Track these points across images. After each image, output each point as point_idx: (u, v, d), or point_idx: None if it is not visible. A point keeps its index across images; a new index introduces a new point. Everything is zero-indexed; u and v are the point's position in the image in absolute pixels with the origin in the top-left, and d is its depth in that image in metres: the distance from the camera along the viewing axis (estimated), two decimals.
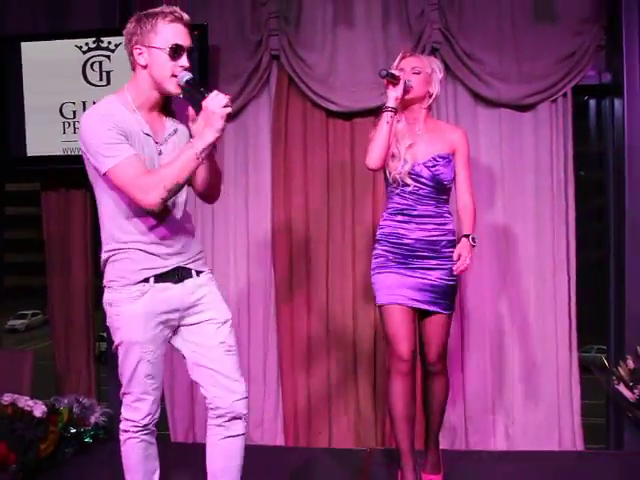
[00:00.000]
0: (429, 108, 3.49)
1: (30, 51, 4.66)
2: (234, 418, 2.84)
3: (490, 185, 4.59)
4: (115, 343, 2.76)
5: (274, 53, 4.68)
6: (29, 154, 4.68)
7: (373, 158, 3.38)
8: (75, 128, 4.61)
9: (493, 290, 4.60)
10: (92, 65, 4.61)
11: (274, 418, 4.78)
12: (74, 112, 4.63)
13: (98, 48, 4.60)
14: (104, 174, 2.57)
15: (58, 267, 5.00)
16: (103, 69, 4.60)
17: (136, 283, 2.68)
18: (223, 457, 2.88)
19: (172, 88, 2.63)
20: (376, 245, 3.49)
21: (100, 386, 5.05)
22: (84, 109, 4.58)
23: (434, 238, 3.42)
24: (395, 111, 3.36)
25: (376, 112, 4.05)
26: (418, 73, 3.40)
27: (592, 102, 4.79)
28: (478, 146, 4.58)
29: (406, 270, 3.42)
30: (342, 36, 4.60)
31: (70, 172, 4.61)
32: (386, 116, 3.37)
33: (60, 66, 4.59)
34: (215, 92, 2.52)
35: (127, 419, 2.83)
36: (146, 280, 2.67)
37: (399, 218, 3.45)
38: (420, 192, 3.42)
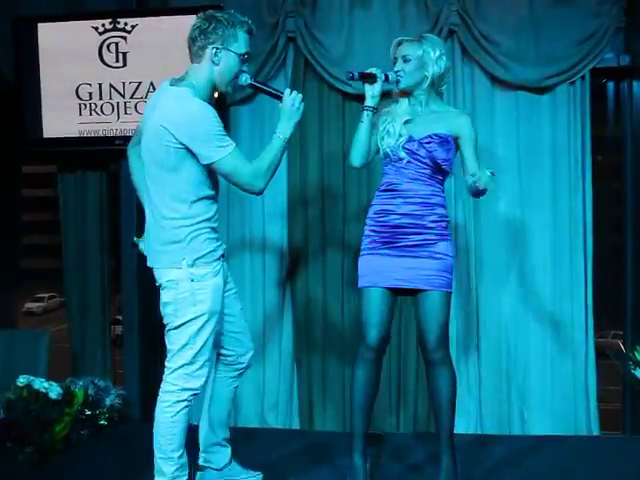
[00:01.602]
0: (437, 91, 3.44)
1: (46, 32, 4.66)
2: (247, 368, 3.37)
3: (507, 168, 4.57)
4: (190, 317, 2.98)
5: (290, 35, 4.68)
6: (45, 136, 4.68)
7: (353, 156, 3.43)
8: (91, 110, 4.62)
9: (509, 274, 4.58)
10: (108, 46, 4.61)
11: (289, 401, 4.79)
12: (90, 94, 4.64)
13: (115, 29, 4.61)
14: (214, 161, 2.88)
15: (74, 249, 5.03)
16: (119, 50, 4.61)
17: (217, 259, 3.03)
18: (232, 402, 3.41)
19: (229, 88, 3.03)
20: (365, 225, 3.48)
21: (116, 369, 5.07)
22: (100, 91, 4.62)
23: (420, 212, 3.38)
24: (374, 109, 3.36)
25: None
26: (408, 61, 3.37)
27: (610, 85, 4.73)
28: (494, 128, 4.58)
29: (392, 250, 3.38)
30: (359, 18, 4.58)
31: (86, 154, 4.74)
32: (362, 115, 3.38)
33: (76, 47, 4.60)
34: (288, 90, 3.00)
35: (187, 389, 3.04)
36: (219, 258, 3.04)
37: (388, 194, 3.44)
38: (413, 168, 3.40)
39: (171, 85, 3.02)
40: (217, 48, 2.96)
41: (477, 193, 3.25)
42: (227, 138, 2.93)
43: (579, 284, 4.52)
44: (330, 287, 4.67)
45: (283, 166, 4.62)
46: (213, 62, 2.98)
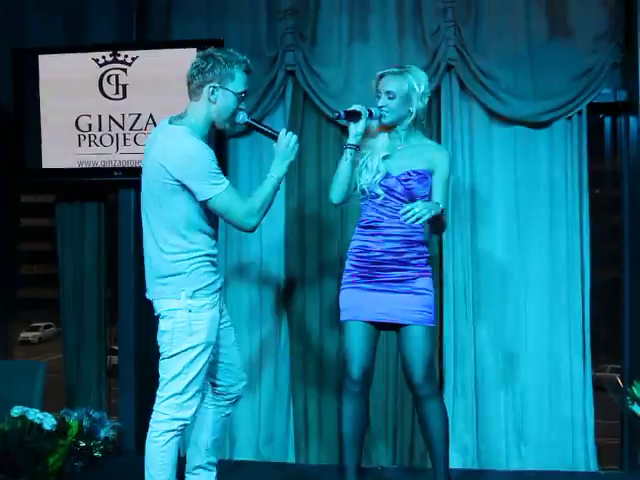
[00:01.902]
0: (419, 124, 3.43)
1: (47, 64, 4.67)
2: (238, 398, 3.40)
3: (504, 202, 4.56)
4: (185, 347, 3.02)
5: (289, 69, 4.68)
6: (44, 166, 4.69)
7: (333, 193, 3.42)
8: (90, 141, 4.63)
9: (506, 307, 4.57)
10: (109, 78, 4.62)
11: (285, 434, 4.75)
12: (90, 125, 4.65)
13: (115, 61, 4.62)
14: (208, 199, 2.95)
15: (71, 279, 5.01)
16: (120, 82, 4.61)
17: (215, 292, 3.09)
18: (220, 430, 3.43)
19: (228, 125, 3.10)
20: (346, 259, 3.48)
21: (111, 400, 5.03)
22: (99, 122, 4.63)
23: (400, 250, 3.37)
24: (357, 147, 3.35)
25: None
26: (392, 97, 3.34)
27: (607, 120, 4.74)
28: (492, 162, 4.58)
29: (371, 284, 3.38)
30: (357, 52, 4.60)
31: (85, 184, 4.73)
32: (346, 153, 3.37)
33: (77, 79, 4.61)
34: (284, 130, 3.07)
35: (177, 418, 3.07)
36: (217, 290, 3.11)
37: (368, 231, 3.41)
38: (392, 205, 3.37)
39: (170, 123, 3.08)
40: (214, 87, 3.02)
41: (435, 229, 3.33)
42: (221, 176, 2.98)
43: (576, 317, 4.50)
44: (326, 319, 4.65)
45: (281, 198, 4.63)
46: (210, 100, 3.04)
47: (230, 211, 3.01)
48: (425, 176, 3.35)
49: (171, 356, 3.07)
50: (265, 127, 3.14)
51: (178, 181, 2.96)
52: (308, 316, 4.68)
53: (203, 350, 3.09)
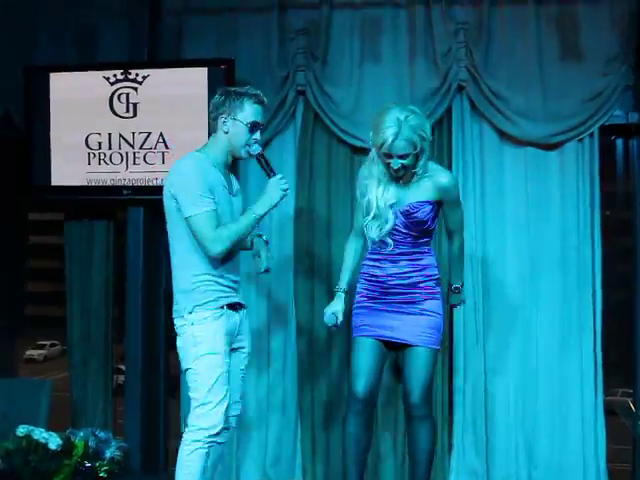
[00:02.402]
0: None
1: (58, 81, 4.68)
2: (225, 429, 3.30)
3: (515, 223, 4.55)
4: (194, 358, 3.15)
5: (300, 88, 4.67)
6: (53, 184, 4.69)
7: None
8: (100, 159, 4.64)
9: (516, 330, 4.55)
10: (119, 97, 4.63)
11: (292, 455, 4.74)
12: (99, 143, 4.65)
13: (126, 80, 4.62)
14: (187, 217, 3.12)
15: (78, 297, 5.01)
16: (130, 101, 4.62)
17: (220, 307, 3.19)
18: (217, 459, 3.36)
19: (243, 154, 3.26)
20: (357, 283, 3.53)
21: (117, 419, 5.01)
22: (109, 140, 4.63)
23: (407, 274, 3.41)
24: (347, 292, 3.52)
25: None
26: (406, 156, 3.29)
27: (619, 142, 4.77)
28: (503, 184, 4.57)
29: (382, 304, 3.43)
30: (368, 72, 4.61)
31: (94, 203, 4.75)
32: (337, 295, 3.54)
33: (87, 97, 4.62)
34: (280, 175, 3.21)
35: (202, 428, 3.17)
36: (222, 307, 3.19)
37: (375, 257, 3.47)
38: (398, 238, 3.42)
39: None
40: (225, 118, 3.22)
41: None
42: (205, 200, 3.12)
43: (588, 341, 4.48)
44: (338, 341, 4.63)
45: (290, 215, 4.64)
46: (223, 131, 3.24)
47: (200, 234, 3.14)
48: (431, 205, 3.37)
49: (186, 370, 3.22)
50: (270, 165, 3.28)
51: (175, 198, 3.16)
52: (315, 333, 4.65)
53: (211, 359, 3.18)
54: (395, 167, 3.27)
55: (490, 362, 4.54)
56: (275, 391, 4.77)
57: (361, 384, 3.38)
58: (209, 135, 3.38)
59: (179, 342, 3.26)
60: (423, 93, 4.52)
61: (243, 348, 3.40)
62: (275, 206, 3.22)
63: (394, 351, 3.53)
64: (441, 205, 3.43)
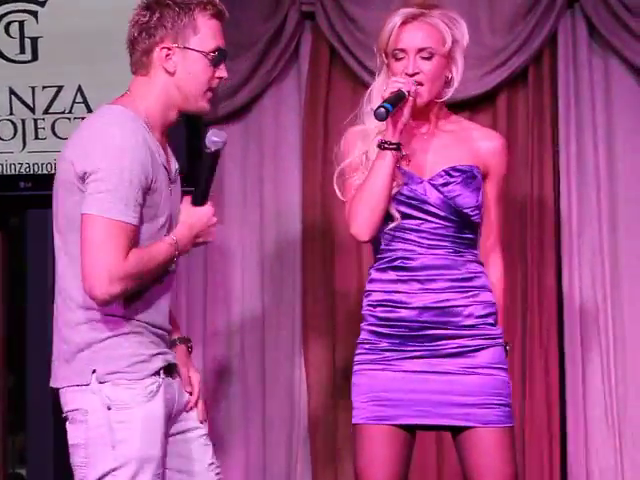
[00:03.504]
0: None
1: None
2: None
3: None
4: (109, 467, 2.55)
5: (306, 9, 4.10)
6: None
7: (365, 226, 2.92)
8: None
9: None
10: (8, 28, 3.94)
11: None
12: None
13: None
14: (83, 213, 2.60)
15: None
16: (26, 34, 3.95)
17: (151, 375, 2.63)
18: None
19: (204, 104, 2.72)
20: (362, 323, 3.01)
21: None
22: None
23: (453, 303, 2.92)
24: (399, 147, 2.86)
25: (471, 104, 3.74)
26: (429, 57, 2.87)
27: None
28: None
29: (406, 362, 2.92)
30: None
31: None
32: (386, 157, 2.85)
33: None
34: (209, 207, 2.71)
35: None
36: (156, 373, 2.65)
37: (392, 275, 2.95)
38: (425, 228, 2.93)
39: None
40: (168, 48, 2.64)
41: None
42: (131, 203, 2.55)
43: None
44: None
45: (295, 205, 4.25)
46: (166, 71, 2.66)
47: (92, 246, 2.56)
48: (474, 176, 2.90)
49: None
50: (210, 184, 2.71)
51: (82, 178, 2.60)
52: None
53: (138, 471, 2.57)
54: (410, 71, 2.83)
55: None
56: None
57: None
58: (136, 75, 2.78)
59: (77, 436, 2.57)
60: (509, 12, 3.94)
61: (194, 429, 2.76)
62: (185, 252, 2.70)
63: (425, 431, 3.10)
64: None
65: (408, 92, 2.79)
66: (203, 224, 2.68)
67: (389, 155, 2.80)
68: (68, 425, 2.58)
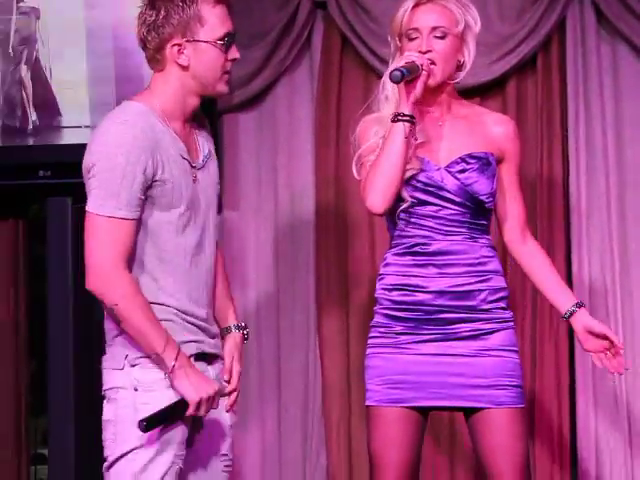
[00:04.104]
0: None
1: None
2: None
3: None
4: (132, 445, 2.61)
5: None
6: None
7: (380, 198, 2.94)
8: None
9: None
10: None
11: None
12: None
13: None
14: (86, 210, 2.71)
15: None
16: None
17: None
18: None
19: (223, 87, 2.76)
20: (376, 306, 3.05)
21: None
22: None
23: (468, 287, 2.97)
24: (413, 120, 2.90)
25: (480, 90, 3.79)
26: (442, 37, 2.92)
27: None
28: None
29: (420, 345, 2.97)
30: None
31: None
32: (401, 129, 2.88)
33: None
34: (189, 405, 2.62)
35: None
36: (188, 357, 2.71)
37: (409, 260, 3.00)
38: (442, 214, 2.97)
39: None
40: (179, 44, 2.69)
41: None
42: (124, 198, 2.59)
43: None
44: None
45: (309, 197, 4.27)
46: (180, 65, 2.71)
47: (93, 244, 2.60)
48: (489, 162, 2.95)
49: (114, 461, 2.64)
50: (165, 419, 2.64)
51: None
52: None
53: (159, 451, 2.63)
54: (424, 48, 2.87)
55: None
56: None
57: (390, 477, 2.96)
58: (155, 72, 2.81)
59: (109, 413, 2.66)
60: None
61: (215, 420, 2.80)
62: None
63: (439, 411, 3.15)
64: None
65: (421, 66, 2.82)
66: (207, 393, 2.64)
67: (402, 127, 2.84)
68: (104, 403, 2.68)
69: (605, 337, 2.92)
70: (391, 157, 2.88)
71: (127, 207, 2.56)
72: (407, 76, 2.77)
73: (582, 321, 2.94)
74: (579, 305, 2.95)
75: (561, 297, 3.01)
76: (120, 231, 2.56)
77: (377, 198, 2.89)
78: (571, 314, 2.96)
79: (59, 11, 4.02)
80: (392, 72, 2.78)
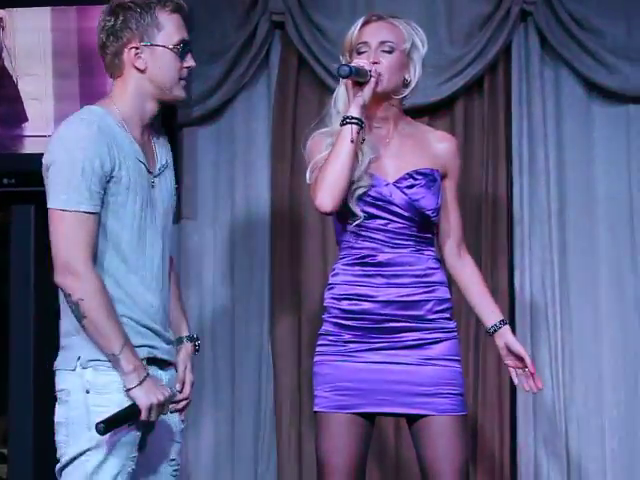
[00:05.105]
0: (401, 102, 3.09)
1: None
2: None
3: (614, 216, 4.11)
4: (84, 447, 2.61)
5: (277, 18, 4.20)
6: None
7: (328, 196, 2.97)
8: None
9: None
10: None
11: None
12: None
13: None
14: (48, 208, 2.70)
15: None
16: None
17: None
18: None
19: (180, 92, 2.80)
20: (325, 315, 3.08)
21: None
22: None
23: (415, 297, 3.01)
24: (361, 124, 2.95)
25: (429, 110, 3.92)
26: (390, 51, 2.99)
27: None
28: (593, 159, 4.11)
29: (368, 353, 3.01)
30: None
31: None
32: (349, 131, 2.94)
33: None
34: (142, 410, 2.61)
35: None
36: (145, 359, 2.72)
37: (358, 270, 3.04)
38: (390, 228, 3.02)
39: None
40: (136, 47, 2.76)
41: None
42: (85, 191, 2.61)
43: None
44: None
45: (264, 210, 4.35)
46: (137, 69, 2.78)
47: (58, 240, 2.62)
48: (434, 179, 3.02)
49: (67, 463, 2.63)
50: (120, 421, 2.66)
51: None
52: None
53: (110, 453, 2.63)
54: (372, 59, 2.93)
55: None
56: None
57: None
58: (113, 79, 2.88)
59: (60, 414, 2.66)
60: (466, 24, 4.05)
61: (163, 423, 2.79)
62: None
63: (384, 416, 3.15)
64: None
65: (370, 72, 2.88)
66: (158, 399, 2.63)
67: (350, 128, 2.89)
68: (57, 404, 2.70)
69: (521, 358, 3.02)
70: (340, 157, 2.93)
71: (89, 201, 2.60)
72: (354, 75, 2.86)
73: (504, 338, 3.02)
74: (503, 322, 3.03)
75: (488, 312, 3.09)
76: (84, 225, 2.60)
77: (326, 197, 2.93)
78: (495, 330, 3.05)
79: (25, 28, 4.05)
80: (340, 66, 2.87)
